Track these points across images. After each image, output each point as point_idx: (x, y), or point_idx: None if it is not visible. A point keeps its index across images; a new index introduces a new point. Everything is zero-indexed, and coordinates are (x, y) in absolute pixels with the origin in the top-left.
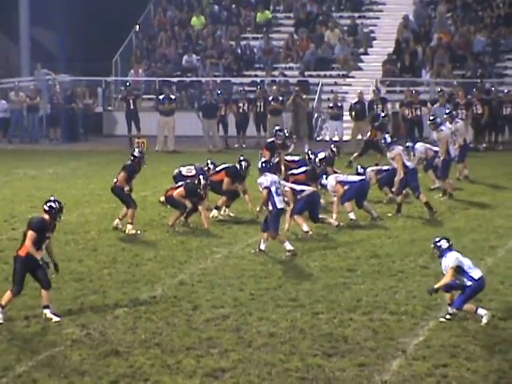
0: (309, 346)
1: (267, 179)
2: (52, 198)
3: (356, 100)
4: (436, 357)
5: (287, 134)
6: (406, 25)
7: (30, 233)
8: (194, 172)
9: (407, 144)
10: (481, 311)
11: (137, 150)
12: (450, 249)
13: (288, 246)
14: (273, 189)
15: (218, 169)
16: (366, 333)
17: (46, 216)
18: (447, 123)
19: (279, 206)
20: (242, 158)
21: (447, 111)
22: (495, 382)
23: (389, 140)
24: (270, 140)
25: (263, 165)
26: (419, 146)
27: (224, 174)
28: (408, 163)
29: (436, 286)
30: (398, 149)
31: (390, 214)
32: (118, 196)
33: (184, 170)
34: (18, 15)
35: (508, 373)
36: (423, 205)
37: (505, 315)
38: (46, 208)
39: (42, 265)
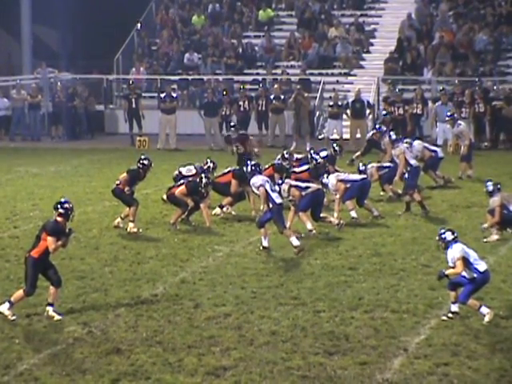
0: (310, 345)
1: (259, 178)
2: (63, 200)
3: (353, 98)
4: (437, 355)
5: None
6: (410, 24)
7: (49, 238)
8: (193, 171)
9: (407, 140)
10: (484, 310)
11: (146, 158)
12: (455, 240)
13: (294, 241)
14: (267, 186)
15: (225, 171)
16: (368, 331)
17: (60, 218)
18: (448, 125)
19: (278, 201)
20: (249, 161)
21: (449, 114)
22: (497, 381)
23: (394, 137)
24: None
25: (253, 168)
26: (417, 144)
27: (231, 177)
28: (412, 161)
29: (447, 272)
30: (403, 146)
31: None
32: (118, 198)
33: (184, 171)
34: (20, 13)
35: (509, 371)
36: (417, 203)
37: (507, 314)
38: (62, 211)
39: (69, 233)
